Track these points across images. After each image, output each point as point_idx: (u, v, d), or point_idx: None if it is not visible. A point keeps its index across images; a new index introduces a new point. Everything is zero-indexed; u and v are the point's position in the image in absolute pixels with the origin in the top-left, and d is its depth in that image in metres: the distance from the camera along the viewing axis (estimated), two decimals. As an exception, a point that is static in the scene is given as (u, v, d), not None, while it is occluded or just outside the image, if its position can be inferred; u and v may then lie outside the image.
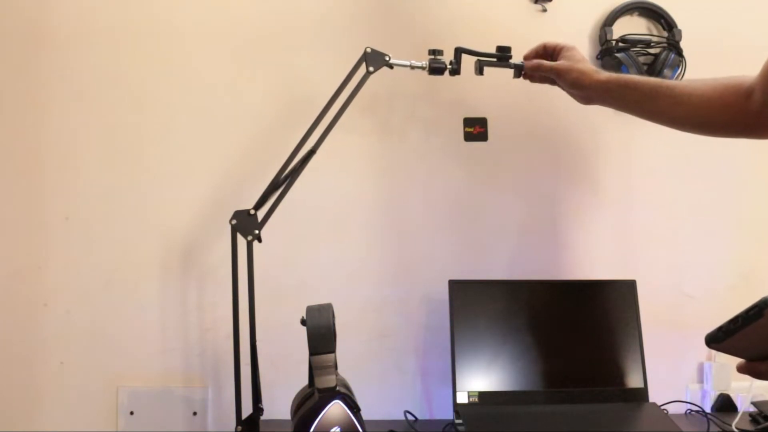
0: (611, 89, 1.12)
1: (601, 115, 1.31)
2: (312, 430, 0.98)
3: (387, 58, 1.18)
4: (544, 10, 1.41)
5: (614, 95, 1.13)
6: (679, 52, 1.40)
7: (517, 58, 1.21)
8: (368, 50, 1.17)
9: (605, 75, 1.13)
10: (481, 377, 1.28)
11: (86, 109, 1.35)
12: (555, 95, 1.23)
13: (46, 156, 1.35)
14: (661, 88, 1.09)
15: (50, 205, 1.34)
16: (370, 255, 1.39)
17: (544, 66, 1.16)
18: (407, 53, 1.21)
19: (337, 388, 1.00)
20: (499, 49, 1.19)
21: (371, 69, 1.16)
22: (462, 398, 1.27)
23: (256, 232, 1.13)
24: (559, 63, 1.15)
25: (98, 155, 1.35)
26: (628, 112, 1.16)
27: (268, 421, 1.21)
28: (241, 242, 1.13)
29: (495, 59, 1.19)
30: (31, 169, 1.35)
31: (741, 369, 0.74)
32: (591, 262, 1.43)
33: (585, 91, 1.14)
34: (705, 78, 1.08)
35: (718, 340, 0.66)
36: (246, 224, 1.13)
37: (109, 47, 1.36)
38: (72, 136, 1.35)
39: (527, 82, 1.23)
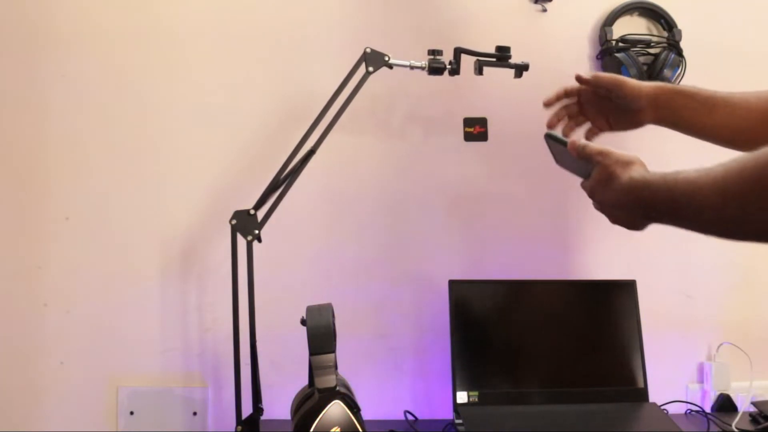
0: (659, 97, 1.04)
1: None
2: (312, 430, 0.98)
3: (386, 59, 1.18)
4: (544, 10, 1.41)
5: (664, 104, 1.04)
6: (679, 52, 1.40)
7: (517, 57, 1.21)
8: (368, 50, 1.17)
9: (653, 84, 1.07)
10: (481, 377, 1.28)
11: (87, 110, 1.35)
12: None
13: (46, 156, 1.35)
14: (716, 97, 1.01)
15: (50, 205, 1.34)
16: (370, 255, 1.39)
17: (603, 77, 1.09)
18: (407, 53, 1.21)
19: (337, 388, 1.00)
20: (499, 49, 1.20)
21: (371, 69, 1.17)
22: (462, 398, 1.27)
23: (256, 232, 1.13)
24: (614, 75, 1.10)
25: (98, 155, 1.35)
26: (677, 124, 1.06)
27: (268, 421, 1.21)
28: (241, 242, 1.13)
29: (494, 59, 1.19)
30: (31, 169, 1.35)
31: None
32: (592, 263, 1.43)
33: (640, 101, 1.06)
34: (757, 90, 1.01)
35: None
36: (246, 224, 1.13)
37: (109, 49, 1.35)
38: (72, 137, 1.35)
39: (527, 82, 1.22)
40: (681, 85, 1.11)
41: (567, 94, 1.12)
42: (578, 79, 1.11)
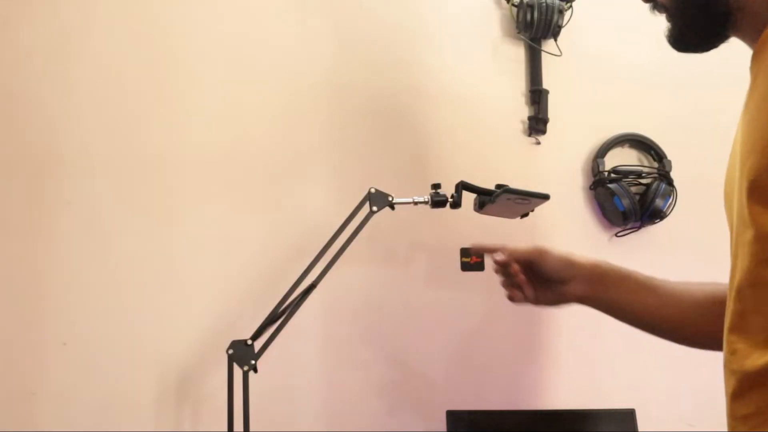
0: (595, 270, 0.96)
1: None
2: None
3: (390, 198, 1.19)
4: (538, 143, 1.46)
5: (599, 279, 0.96)
6: (670, 182, 1.44)
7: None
8: (372, 191, 1.19)
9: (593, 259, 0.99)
10: None
11: (88, 238, 1.34)
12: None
13: (45, 282, 1.33)
14: (655, 280, 0.95)
15: (47, 330, 1.32)
16: (369, 386, 1.37)
17: (519, 251, 0.99)
18: (409, 185, 1.24)
19: None
20: (499, 187, 1.23)
21: (374, 209, 1.18)
22: None
23: (253, 362, 1.12)
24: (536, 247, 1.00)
25: (97, 283, 1.33)
26: (612, 303, 0.96)
27: None
28: (237, 372, 1.12)
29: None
30: (28, 294, 1.32)
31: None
32: (589, 390, 1.42)
33: (570, 271, 0.97)
34: (695, 282, 0.94)
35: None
36: (243, 354, 1.12)
37: (108, 178, 1.36)
38: (72, 263, 1.33)
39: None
40: (618, 266, 0.98)
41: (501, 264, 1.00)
42: (495, 262, 1.00)
